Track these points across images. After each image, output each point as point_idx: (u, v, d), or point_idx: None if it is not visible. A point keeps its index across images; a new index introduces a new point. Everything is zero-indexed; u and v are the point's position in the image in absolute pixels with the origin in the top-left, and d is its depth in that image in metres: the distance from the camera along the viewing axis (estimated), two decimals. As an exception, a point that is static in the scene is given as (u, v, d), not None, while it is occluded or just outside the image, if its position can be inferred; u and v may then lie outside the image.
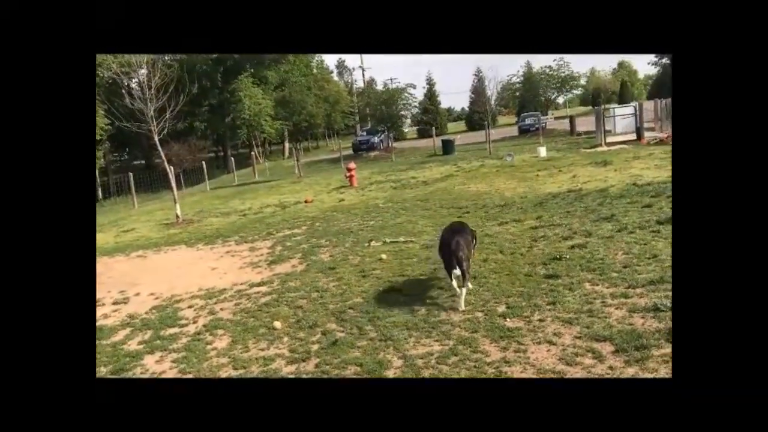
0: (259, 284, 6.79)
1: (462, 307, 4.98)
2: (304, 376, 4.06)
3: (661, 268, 5.35)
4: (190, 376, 4.30)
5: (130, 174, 22.41)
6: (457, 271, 5.04)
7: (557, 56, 49.20)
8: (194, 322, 5.63)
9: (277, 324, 5.17)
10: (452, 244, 5.15)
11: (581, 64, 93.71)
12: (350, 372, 4.04)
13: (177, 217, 14.00)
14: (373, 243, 8.30)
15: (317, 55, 53.10)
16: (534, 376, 3.68)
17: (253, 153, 36.20)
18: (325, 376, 4.00)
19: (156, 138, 13.91)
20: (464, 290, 5.07)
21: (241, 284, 6.91)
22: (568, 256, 6.17)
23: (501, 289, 5.40)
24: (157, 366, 4.58)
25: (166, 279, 7.74)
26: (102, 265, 9.00)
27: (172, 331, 5.45)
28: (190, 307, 6.21)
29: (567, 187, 11.83)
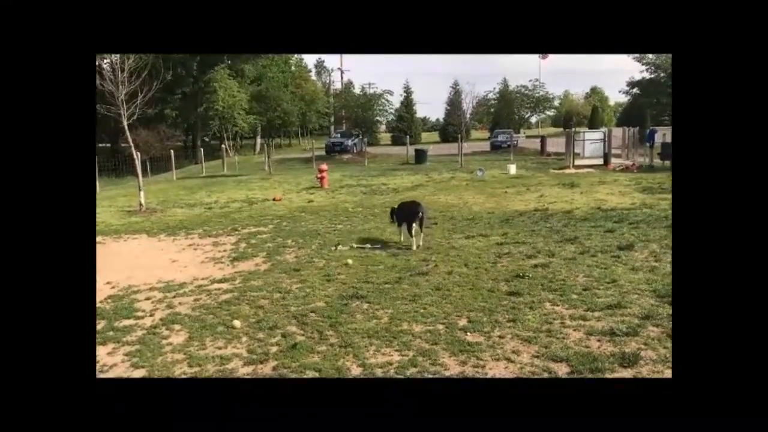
0: (220, 281, 6.67)
1: (416, 246, 7.80)
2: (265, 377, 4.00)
3: (619, 293, 5.49)
4: (143, 372, 4.18)
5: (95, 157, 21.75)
6: (414, 227, 7.81)
7: (533, 77, 50.23)
8: (151, 315, 5.48)
9: (237, 323, 5.09)
10: (415, 210, 7.98)
11: (556, 86, 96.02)
12: (308, 377, 4.00)
13: (140, 205, 13.65)
14: (340, 247, 8.27)
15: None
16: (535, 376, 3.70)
17: (223, 146, 35.63)
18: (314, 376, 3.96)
19: (125, 123, 13.55)
20: (416, 238, 7.84)
21: (202, 279, 6.77)
22: (530, 275, 6.28)
23: (463, 302, 5.45)
24: (109, 358, 4.44)
25: (125, 268, 7.52)
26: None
27: (127, 322, 5.29)
28: (147, 299, 6.05)
29: (534, 206, 12.06)
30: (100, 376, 4.11)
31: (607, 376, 3.74)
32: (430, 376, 3.91)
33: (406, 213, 8.07)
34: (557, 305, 5.28)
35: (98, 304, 5.87)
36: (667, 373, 3.64)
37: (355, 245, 8.36)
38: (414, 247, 7.80)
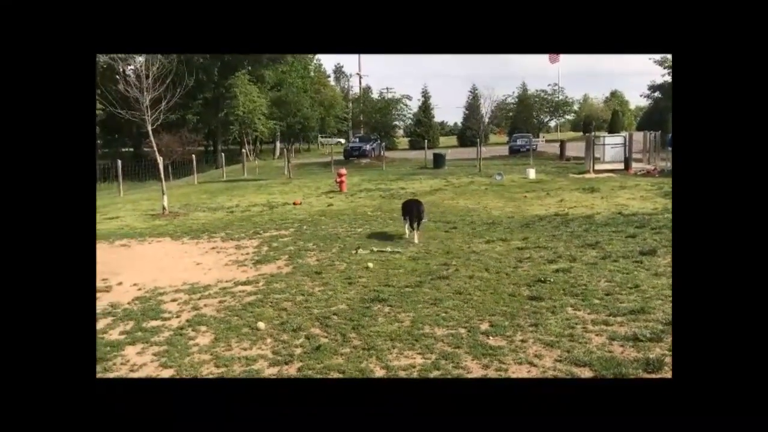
0: (244, 283, 6.78)
1: (416, 239, 8.85)
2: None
3: (642, 299, 5.46)
4: (171, 371, 4.28)
5: (119, 161, 22.19)
6: (415, 224, 9.01)
7: (552, 81, 49.88)
8: (177, 317, 5.60)
9: (261, 324, 5.18)
10: (412, 208, 9.24)
11: (575, 90, 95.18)
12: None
13: (163, 208, 13.89)
14: (360, 251, 8.34)
15: (315, 57, 53.23)
16: (535, 376, 3.71)
17: (243, 150, 36.05)
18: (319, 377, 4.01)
19: (149, 128, 13.83)
20: (417, 232, 9.00)
21: (226, 281, 6.89)
22: (552, 280, 6.27)
23: (485, 307, 5.47)
24: (138, 358, 4.55)
25: (150, 270, 7.68)
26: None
27: (154, 323, 5.42)
28: (173, 300, 6.17)
29: (554, 210, 12.00)
30: (105, 375, 4.18)
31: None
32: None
33: (410, 210, 9.31)
34: (579, 310, 5.27)
35: (126, 305, 6.02)
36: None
37: (375, 249, 8.42)
38: (415, 240, 8.90)
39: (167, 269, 7.80)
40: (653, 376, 3.61)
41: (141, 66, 14.07)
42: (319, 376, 4.05)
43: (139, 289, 6.71)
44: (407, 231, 9.22)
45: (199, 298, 6.21)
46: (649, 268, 6.60)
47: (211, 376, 4.15)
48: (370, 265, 7.35)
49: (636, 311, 5.10)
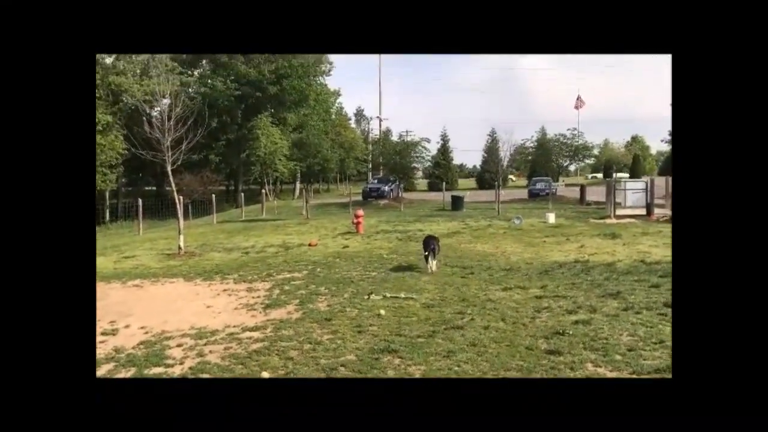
0: (252, 329, 6.62)
1: (434, 268, 10.17)
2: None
3: (668, 355, 5.14)
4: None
5: (140, 199, 22.56)
6: (430, 257, 10.14)
7: (571, 125, 50.08)
8: (180, 363, 5.42)
9: (265, 374, 4.98)
10: (430, 242, 10.39)
11: (594, 135, 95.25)
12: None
13: (179, 248, 13.94)
14: (372, 296, 8.15)
15: (337, 101, 54.34)
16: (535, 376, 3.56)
17: (263, 190, 36.48)
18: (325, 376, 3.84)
19: (169, 168, 14.03)
20: (434, 262, 10.25)
21: (234, 326, 6.74)
22: (571, 332, 5.98)
23: (500, 360, 5.19)
24: (136, 408, 4.39)
25: (159, 313, 7.58)
26: (97, 290, 8.86)
27: (156, 370, 5.24)
28: (179, 345, 6.03)
29: (574, 257, 11.70)
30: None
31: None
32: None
33: (428, 244, 10.49)
34: (600, 366, 4.96)
35: (130, 350, 5.88)
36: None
37: (388, 294, 8.22)
38: (431, 270, 10.08)
39: (177, 312, 7.69)
40: (653, 376, 3.44)
41: (165, 107, 14.40)
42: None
43: (146, 333, 6.59)
44: (428, 265, 10.24)
45: (205, 344, 6.06)
46: (675, 322, 6.28)
47: (211, 376, 4.02)
48: (382, 312, 7.15)
49: (661, 369, 4.75)
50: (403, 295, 8.12)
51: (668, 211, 21.91)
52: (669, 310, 6.75)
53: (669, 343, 5.50)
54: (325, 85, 48.88)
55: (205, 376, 5.04)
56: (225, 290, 9.17)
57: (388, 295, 8.21)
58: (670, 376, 4.64)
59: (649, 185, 21.94)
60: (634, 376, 3.42)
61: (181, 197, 15.63)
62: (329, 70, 47.59)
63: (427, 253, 10.27)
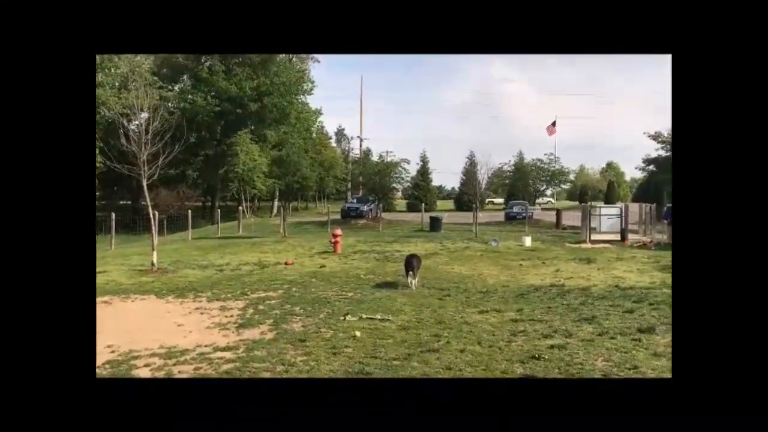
0: (223, 349, 6.45)
1: (415, 286, 10.62)
2: None
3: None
4: None
5: (113, 213, 22.10)
6: (411, 275, 10.71)
7: (548, 150, 51.05)
8: (147, 384, 5.26)
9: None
10: (413, 262, 10.89)
11: (570, 161, 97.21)
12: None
13: (152, 264, 13.64)
14: (348, 317, 8.04)
15: (318, 120, 54.42)
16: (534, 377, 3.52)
17: (240, 207, 36.11)
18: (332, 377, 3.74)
19: (144, 182, 13.80)
20: (414, 281, 10.71)
21: (205, 346, 6.55)
22: (546, 357, 5.95)
23: (475, 385, 5.15)
24: (98, 431, 4.21)
25: (128, 331, 7.36)
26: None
27: (121, 391, 5.07)
28: (146, 365, 5.81)
29: (550, 281, 11.78)
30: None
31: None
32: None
33: (410, 263, 10.98)
34: (575, 392, 4.96)
35: (96, 370, 5.66)
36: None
37: (364, 316, 8.12)
38: (413, 288, 10.53)
39: (146, 330, 7.48)
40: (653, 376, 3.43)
41: (143, 121, 14.22)
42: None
43: (113, 352, 6.36)
44: (410, 281, 10.76)
45: (174, 364, 5.86)
46: (648, 347, 6.32)
47: (211, 376, 3.90)
48: (358, 333, 7.05)
49: (635, 396, 4.79)
50: (379, 317, 8.04)
51: (642, 237, 22.32)
52: (643, 336, 6.81)
53: (643, 369, 5.52)
54: (307, 103, 48.99)
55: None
56: (197, 308, 8.96)
57: (364, 316, 8.12)
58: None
59: (623, 211, 22.36)
60: (634, 376, 3.42)
61: (156, 212, 15.34)
62: (311, 89, 47.74)
63: (410, 271, 10.79)
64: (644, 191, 53.55)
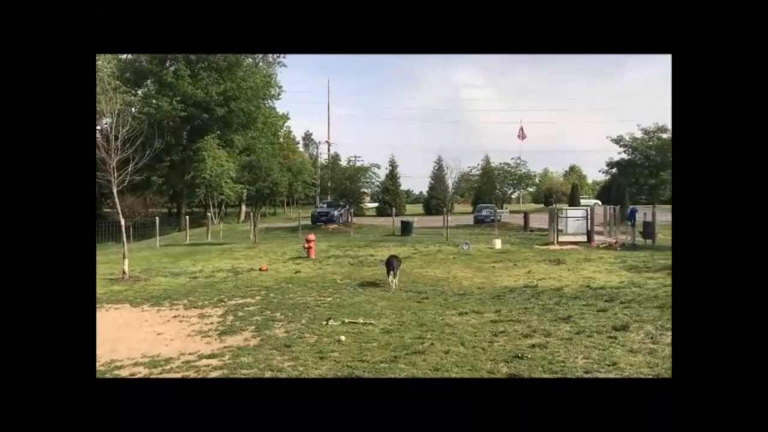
0: (209, 356, 6.38)
1: (394, 286, 11.15)
2: None
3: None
4: None
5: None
6: (392, 275, 11.31)
7: (515, 154, 51.97)
8: (135, 394, 5.19)
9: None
10: (393, 262, 11.55)
11: (535, 164, 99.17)
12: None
13: (123, 273, 13.34)
14: (331, 322, 8.08)
15: (285, 125, 54.07)
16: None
17: (208, 213, 35.53)
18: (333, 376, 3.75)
19: (114, 189, 13.50)
20: (395, 280, 11.32)
21: (189, 354, 6.48)
22: (529, 356, 6.13)
23: (464, 384, 5.27)
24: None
25: (107, 340, 7.20)
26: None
27: (109, 401, 4.99)
28: (131, 375, 5.72)
29: (523, 282, 12.05)
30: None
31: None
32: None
33: (391, 263, 11.62)
34: (560, 389, 5.13)
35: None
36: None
37: (347, 320, 8.17)
38: (393, 287, 11.14)
39: (126, 339, 7.34)
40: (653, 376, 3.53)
41: (108, 126, 13.89)
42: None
43: (94, 362, 6.24)
44: (390, 280, 11.36)
45: (160, 373, 5.78)
46: (624, 344, 6.57)
47: (211, 376, 3.88)
48: (342, 338, 7.10)
49: (617, 391, 4.99)
50: (362, 321, 8.10)
51: (608, 239, 23.00)
52: (618, 334, 7.07)
53: (622, 365, 5.76)
54: (274, 108, 48.57)
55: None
56: (175, 316, 8.84)
57: (347, 320, 8.17)
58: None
59: (589, 213, 23.00)
60: (634, 376, 3.52)
61: (123, 219, 14.98)
62: (278, 94, 47.38)
63: (390, 271, 11.44)
64: (607, 193, 55.06)
